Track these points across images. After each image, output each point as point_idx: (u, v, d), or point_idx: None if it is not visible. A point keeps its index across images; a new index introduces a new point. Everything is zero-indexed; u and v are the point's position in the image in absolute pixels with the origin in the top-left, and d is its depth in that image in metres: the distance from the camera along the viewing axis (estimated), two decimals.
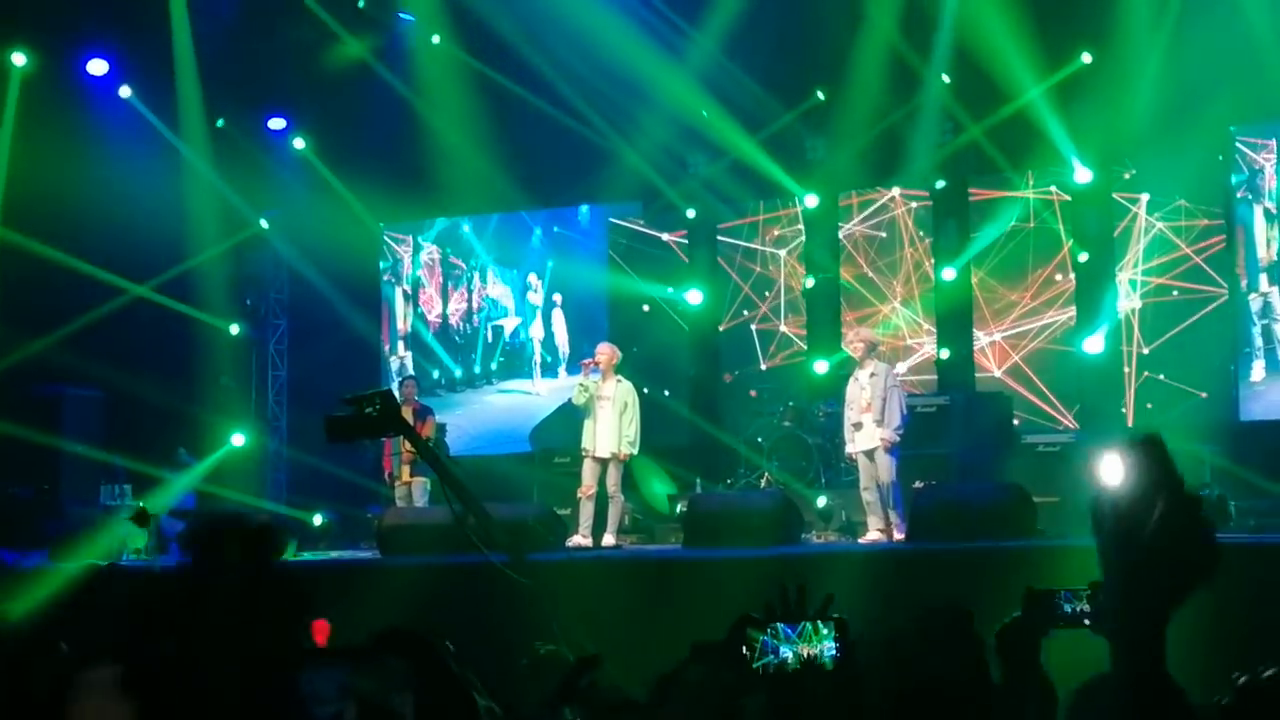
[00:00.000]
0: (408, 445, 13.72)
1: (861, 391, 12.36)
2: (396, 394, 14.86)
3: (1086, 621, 4.01)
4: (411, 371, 17.94)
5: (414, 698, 3.25)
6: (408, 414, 14.12)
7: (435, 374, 18.65)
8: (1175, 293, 15.43)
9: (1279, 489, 12.45)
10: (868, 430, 12.26)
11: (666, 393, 16.82)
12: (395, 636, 3.32)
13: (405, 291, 18.90)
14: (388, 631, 3.33)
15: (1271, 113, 14.83)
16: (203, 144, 17.34)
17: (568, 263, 18.15)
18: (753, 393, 16.17)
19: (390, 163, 17.20)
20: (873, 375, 12.36)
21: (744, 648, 3.10)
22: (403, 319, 18.87)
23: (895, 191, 16.91)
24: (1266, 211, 14.87)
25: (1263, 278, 14.87)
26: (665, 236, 17.76)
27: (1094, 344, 15.28)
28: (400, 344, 18.83)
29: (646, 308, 17.53)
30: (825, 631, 3.20)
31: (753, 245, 17.49)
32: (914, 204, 16.83)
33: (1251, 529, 11.74)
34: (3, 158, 16.37)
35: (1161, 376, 15.33)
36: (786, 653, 3.26)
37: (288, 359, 18.43)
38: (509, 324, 18.46)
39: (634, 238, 17.92)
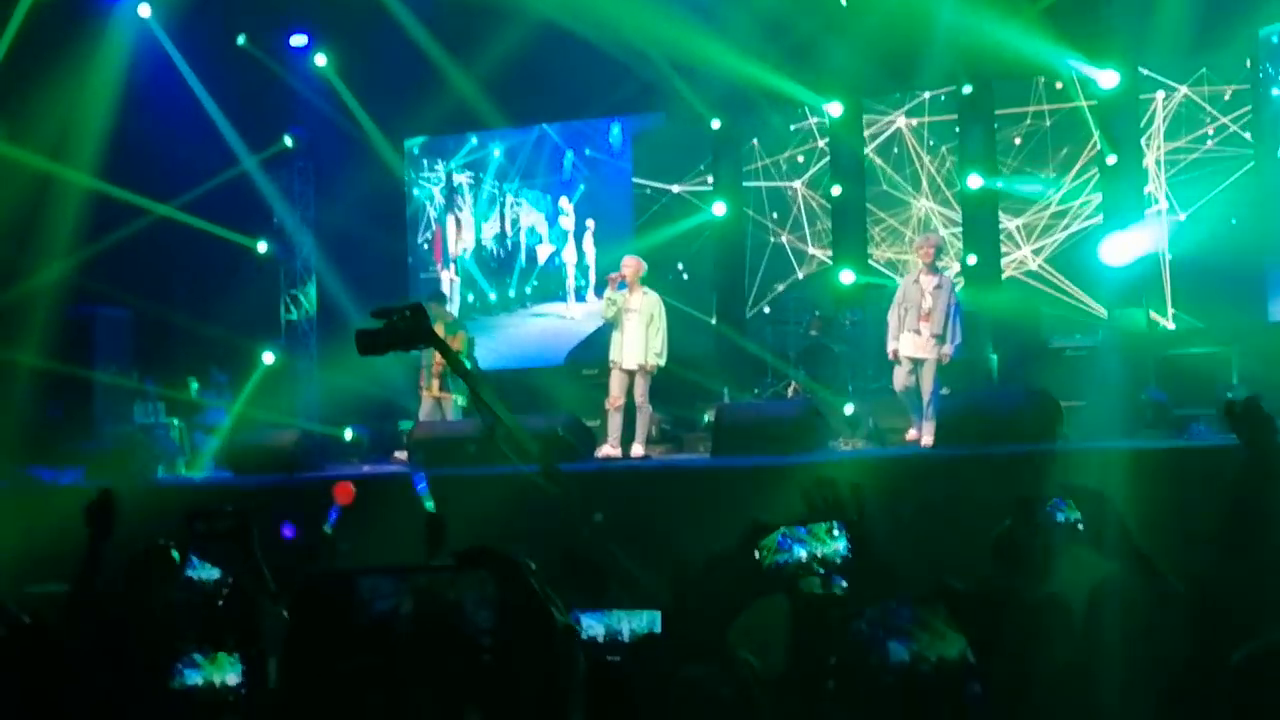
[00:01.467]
0: (438, 358, 13.82)
1: (923, 298, 12.35)
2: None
3: (1081, 527, 3.96)
4: (456, 291, 18.07)
5: (495, 611, 3.32)
6: (440, 329, 14.22)
7: (470, 297, 18.72)
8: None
9: None
10: (925, 340, 12.30)
11: (685, 276, 16.98)
12: (479, 553, 3.39)
13: (457, 215, 18.92)
14: (472, 549, 3.40)
15: None
16: (224, 61, 17.34)
17: (599, 185, 18.16)
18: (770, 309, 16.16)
19: (413, 77, 17.14)
20: (938, 287, 12.38)
21: (755, 551, 3.17)
22: (454, 240, 18.90)
23: (900, 120, 16.90)
24: None
25: None
26: (675, 188, 17.74)
27: (1117, 253, 15.10)
28: (453, 265, 18.87)
29: (681, 267, 17.55)
30: (837, 534, 3.26)
31: (763, 185, 17.48)
32: (923, 117, 16.84)
33: None
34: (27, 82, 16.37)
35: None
36: (800, 553, 3.33)
37: (315, 276, 18.48)
38: (543, 249, 18.50)
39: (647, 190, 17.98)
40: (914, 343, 12.36)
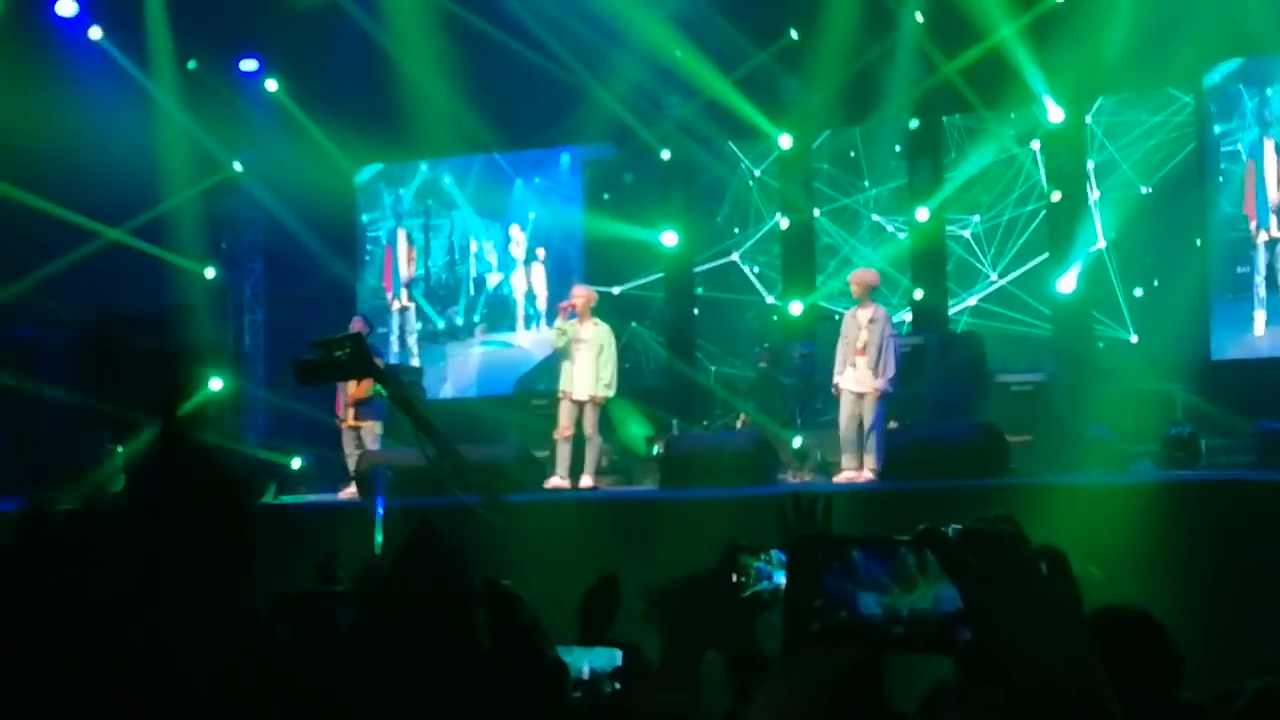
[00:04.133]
0: (354, 388, 13.70)
1: (859, 332, 12.35)
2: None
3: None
4: (414, 318, 18.02)
5: (488, 640, 3.26)
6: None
7: (420, 326, 18.62)
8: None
9: (1249, 426, 12.53)
10: (861, 373, 12.28)
11: (634, 324, 16.99)
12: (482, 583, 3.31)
13: (407, 242, 18.80)
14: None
15: (1248, 49, 14.79)
16: (174, 86, 17.25)
17: (548, 213, 18.13)
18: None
19: (364, 105, 17.10)
20: (872, 320, 12.34)
21: (734, 575, 3.11)
22: (405, 264, 18.77)
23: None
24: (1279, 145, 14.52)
25: (1274, 219, 14.51)
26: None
27: (1067, 283, 15.31)
28: (404, 291, 18.72)
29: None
30: (777, 562, 3.19)
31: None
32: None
33: (1222, 466, 11.89)
34: None
35: (1139, 292, 15.54)
36: (780, 579, 3.27)
37: (264, 302, 18.36)
38: (492, 277, 18.44)
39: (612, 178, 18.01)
40: (853, 376, 12.37)
